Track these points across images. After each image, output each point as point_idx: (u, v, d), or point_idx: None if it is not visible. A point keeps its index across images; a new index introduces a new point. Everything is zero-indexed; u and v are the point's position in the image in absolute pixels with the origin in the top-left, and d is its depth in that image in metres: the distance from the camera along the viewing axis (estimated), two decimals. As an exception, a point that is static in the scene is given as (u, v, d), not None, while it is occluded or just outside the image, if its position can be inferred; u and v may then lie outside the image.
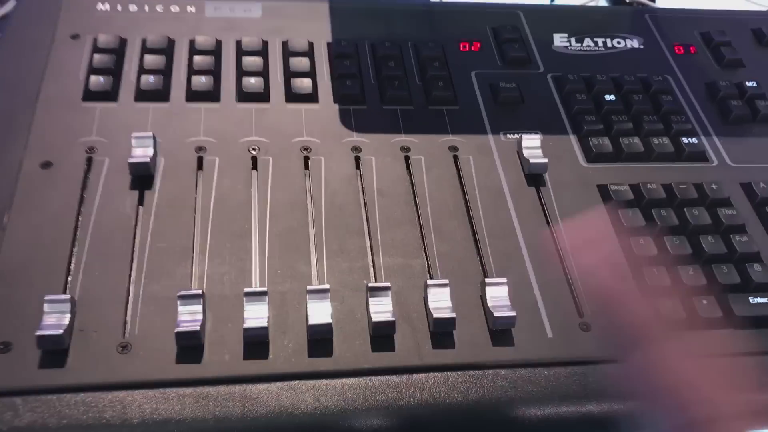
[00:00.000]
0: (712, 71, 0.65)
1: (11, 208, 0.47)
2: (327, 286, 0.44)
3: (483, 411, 0.42)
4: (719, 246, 0.50)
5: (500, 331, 0.45)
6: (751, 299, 0.48)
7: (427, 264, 0.48)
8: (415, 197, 0.51)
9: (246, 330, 0.42)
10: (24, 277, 0.43)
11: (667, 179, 0.55)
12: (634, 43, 0.67)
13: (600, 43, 0.66)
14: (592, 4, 0.89)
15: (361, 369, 0.42)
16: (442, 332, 0.44)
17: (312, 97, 0.56)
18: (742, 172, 0.57)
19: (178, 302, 0.42)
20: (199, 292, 0.43)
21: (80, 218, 0.47)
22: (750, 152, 0.58)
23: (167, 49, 0.57)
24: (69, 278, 0.44)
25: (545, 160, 0.53)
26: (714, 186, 0.54)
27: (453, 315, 0.43)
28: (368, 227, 0.49)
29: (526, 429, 0.42)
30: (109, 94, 0.54)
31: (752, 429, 0.44)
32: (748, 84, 0.63)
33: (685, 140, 0.57)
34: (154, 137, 0.50)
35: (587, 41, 0.66)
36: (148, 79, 0.55)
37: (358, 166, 0.53)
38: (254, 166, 0.51)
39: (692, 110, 0.61)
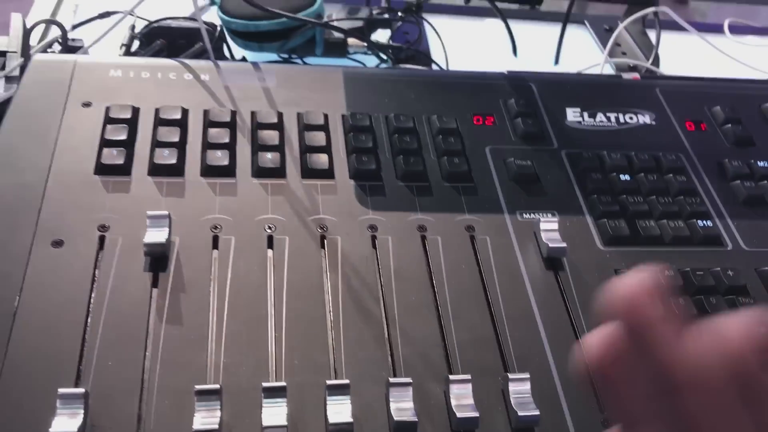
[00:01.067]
0: (723, 149, 0.66)
1: (22, 290, 0.45)
2: (347, 381, 0.43)
3: None
4: (738, 337, 0.50)
5: (523, 429, 0.44)
6: None
7: (446, 355, 0.47)
8: (432, 281, 0.51)
9: (265, 429, 0.40)
10: (35, 366, 0.42)
11: (682, 263, 0.54)
12: (646, 118, 0.67)
13: (612, 119, 0.66)
14: (596, 66, 0.90)
15: (383, 471, 0.41)
16: (464, 431, 0.43)
17: (328, 173, 0.56)
18: (757, 257, 0.57)
19: (195, 398, 0.41)
20: (217, 387, 0.41)
21: (92, 302, 0.46)
22: (764, 236, 0.58)
23: (181, 120, 0.57)
24: (81, 367, 0.43)
25: (564, 245, 0.53)
26: (730, 273, 0.54)
27: (476, 414, 0.43)
28: (386, 314, 0.48)
29: None
30: (122, 168, 0.53)
31: None
32: (760, 164, 0.64)
33: (700, 223, 0.57)
34: (169, 216, 0.49)
35: (600, 116, 0.66)
36: (163, 153, 0.54)
37: (374, 246, 0.52)
38: (270, 245, 0.51)
39: (705, 190, 0.61)
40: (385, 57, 0.83)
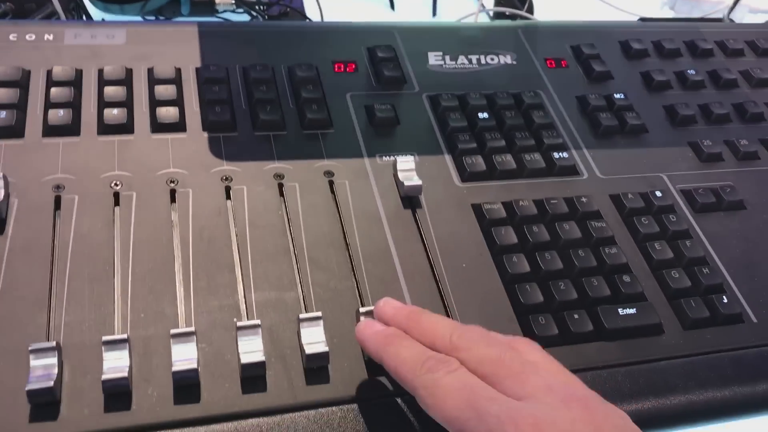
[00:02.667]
0: (582, 84, 0.67)
1: None
2: (192, 328, 0.42)
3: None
4: (589, 259, 0.51)
5: (376, 363, 0.44)
6: (620, 311, 0.49)
7: (302, 296, 0.47)
8: (289, 227, 0.50)
9: (104, 381, 0.39)
10: None
11: (539, 195, 0.56)
12: (507, 59, 0.68)
13: (474, 61, 0.66)
14: (471, 16, 0.90)
15: (231, 413, 0.41)
16: (316, 368, 0.43)
17: (179, 126, 0.54)
18: (611, 184, 0.58)
19: (30, 356, 0.39)
20: (53, 344, 0.40)
21: None
22: (619, 163, 0.60)
23: (21, 81, 0.54)
24: None
25: (419, 183, 0.53)
26: (584, 199, 0.55)
27: (326, 349, 0.42)
28: (240, 261, 0.48)
29: (403, 461, 0.41)
30: (-44, 132, 0.50)
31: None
32: (617, 96, 0.65)
33: (556, 155, 0.59)
34: (5, 177, 0.47)
35: (461, 59, 0.66)
36: (0, 114, 0.51)
37: (228, 197, 0.51)
38: (117, 203, 0.49)
39: (563, 124, 0.63)
40: (255, 14, 0.81)
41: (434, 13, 0.94)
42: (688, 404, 0.46)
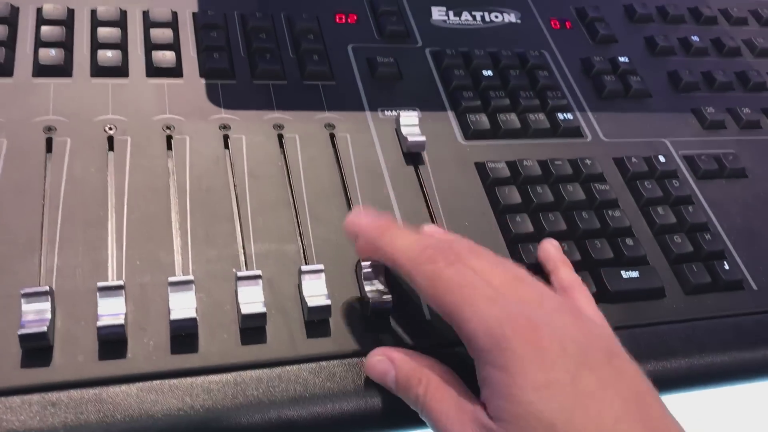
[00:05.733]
0: (586, 46, 0.66)
1: None
2: (191, 276, 0.41)
3: (361, 400, 0.40)
4: (593, 221, 0.51)
5: (377, 317, 0.43)
6: (623, 273, 0.48)
7: (302, 249, 0.45)
8: (289, 178, 0.49)
9: (100, 328, 0.38)
10: None
11: (543, 155, 0.55)
12: (511, 17, 0.66)
13: (478, 17, 0.65)
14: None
15: (230, 364, 0.40)
16: (317, 321, 0.42)
17: (175, 71, 0.52)
18: (614, 147, 0.57)
19: (22, 300, 0.38)
20: (46, 288, 0.38)
21: None
22: (622, 127, 0.59)
23: (10, 18, 0.52)
24: None
25: (423, 138, 0.52)
26: (588, 162, 0.55)
27: (328, 302, 0.41)
28: (238, 211, 0.46)
29: (407, 416, 0.41)
30: (-59, 68, 0.48)
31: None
32: (621, 59, 0.64)
33: (560, 116, 0.58)
34: (-7, 117, 0.45)
35: (465, 15, 0.65)
36: (-13, 52, 0.49)
37: (227, 146, 0.50)
38: (111, 147, 0.47)
39: (567, 86, 0.61)
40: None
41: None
42: (689, 368, 0.46)
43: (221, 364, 0.40)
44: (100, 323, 0.38)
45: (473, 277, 0.37)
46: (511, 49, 0.62)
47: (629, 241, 0.50)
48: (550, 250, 0.47)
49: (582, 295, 0.44)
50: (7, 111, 0.47)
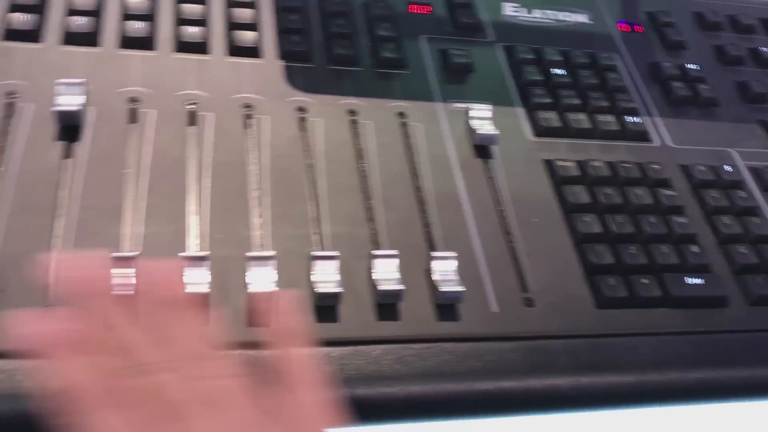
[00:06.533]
0: (656, 51, 0.66)
1: None
2: (271, 252, 0.42)
3: (427, 384, 0.41)
4: (659, 226, 0.51)
5: (446, 305, 0.44)
6: (687, 280, 0.49)
7: (374, 234, 0.46)
8: (362, 164, 0.50)
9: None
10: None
11: (610, 157, 0.55)
12: (582, 17, 0.66)
13: (550, 15, 0.65)
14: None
15: (304, 340, 0.41)
16: (387, 304, 0.43)
17: (255, 51, 0.53)
18: (681, 154, 0.57)
19: (111, 264, 0.39)
20: (133, 254, 0.40)
21: (2, 168, 0.43)
22: (689, 134, 0.59)
23: (99, -11, 0.53)
24: (-14, 234, 0.40)
25: (496, 132, 0.52)
26: (655, 166, 0.55)
27: (401, 287, 0.42)
28: (314, 193, 0.47)
29: (470, 403, 0.41)
30: (34, 34, 0.49)
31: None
32: (690, 66, 0.64)
33: (628, 119, 0.58)
34: (84, 85, 0.46)
35: (537, 12, 0.65)
36: (77, 21, 0.50)
37: (303, 128, 0.50)
38: (192, 122, 0.48)
39: (636, 89, 0.61)
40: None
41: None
42: (750, 378, 0.46)
43: (295, 339, 0.41)
44: (187, 290, 0.39)
45: None
46: (581, 49, 0.62)
47: (694, 248, 0.50)
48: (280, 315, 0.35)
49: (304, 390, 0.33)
50: (95, 80, 0.48)
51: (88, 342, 0.30)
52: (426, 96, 0.55)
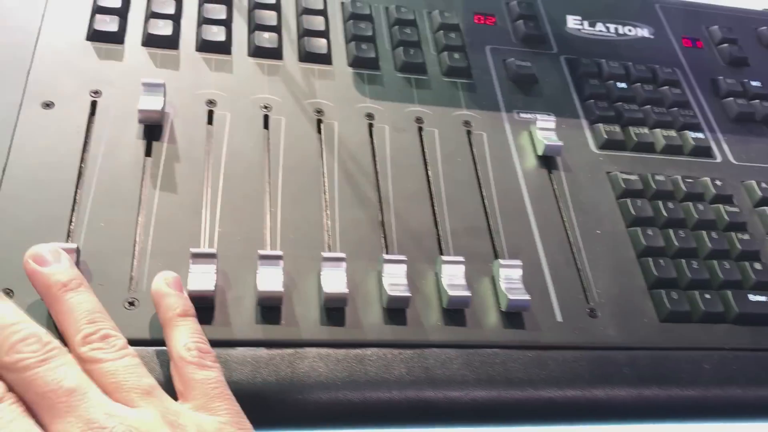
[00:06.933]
0: (717, 67, 0.66)
1: (11, 147, 0.44)
2: (343, 254, 0.43)
3: (493, 390, 0.42)
4: (722, 242, 0.51)
5: (512, 312, 0.44)
6: (750, 296, 0.49)
7: (438, 240, 0.47)
8: (427, 170, 0.51)
9: (260, 294, 0.40)
10: (24, 223, 0.41)
11: (672, 172, 0.55)
12: (644, 32, 0.66)
13: (612, 29, 0.65)
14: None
15: (376, 341, 0.42)
16: (454, 310, 0.44)
17: (326, 58, 0.55)
18: (744, 171, 0.57)
19: (191, 261, 0.41)
20: (214, 251, 0.41)
21: (84, 164, 0.45)
22: (752, 152, 0.59)
23: (177, -6, 0.55)
24: (72, 226, 0.42)
25: (560, 144, 0.53)
26: (718, 182, 0.55)
27: (468, 293, 0.43)
28: (380, 198, 0.48)
29: (534, 410, 0.42)
30: (116, 36, 0.51)
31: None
32: (753, 83, 0.64)
33: (691, 135, 0.58)
34: (164, 86, 0.48)
35: (600, 26, 0.65)
36: (158, 24, 0.52)
37: (371, 133, 0.52)
38: (266, 125, 0.50)
39: (698, 104, 0.62)
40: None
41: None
42: (814, 397, 0.46)
43: (368, 339, 0.42)
44: (261, 289, 0.40)
45: None
46: (644, 64, 0.62)
47: (757, 266, 0.51)
48: (165, 293, 0.38)
49: (199, 376, 0.35)
50: (175, 82, 0.50)
51: None
52: (490, 105, 0.56)
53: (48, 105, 0.46)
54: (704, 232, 0.51)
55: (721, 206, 0.53)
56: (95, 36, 0.51)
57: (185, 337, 0.37)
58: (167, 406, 0.33)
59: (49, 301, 0.36)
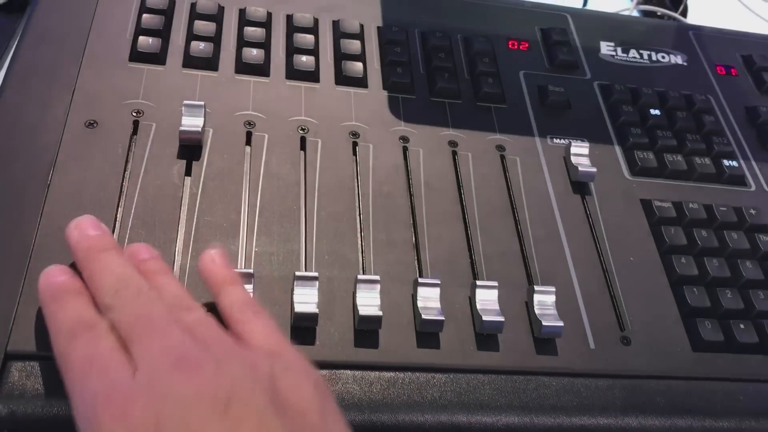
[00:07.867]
0: (752, 95, 0.66)
1: (55, 165, 0.45)
2: (377, 276, 0.43)
3: (526, 416, 0.42)
4: (757, 272, 0.51)
5: (544, 339, 0.44)
6: (786, 327, 0.48)
7: (472, 264, 0.47)
8: (461, 194, 0.51)
9: (297, 314, 0.41)
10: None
11: (706, 200, 0.55)
12: (678, 59, 0.67)
13: (645, 56, 0.66)
14: (625, 11, 0.89)
15: (406, 364, 0.42)
16: (487, 335, 0.44)
17: (362, 82, 0.55)
18: (779, 200, 0.57)
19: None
20: (251, 271, 0.42)
21: (126, 182, 0.46)
22: (787, 180, 0.59)
23: (217, 16, 0.56)
24: (113, 244, 0.43)
25: (594, 170, 0.53)
26: (752, 211, 0.55)
27: (502, 318, 0.43)
28: (414, 221, 0.48)
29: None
30: (158, 57, 0.52)
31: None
32: (788, 112, 0.64)
33: (726, 162, 0.58)
34: (204, 106, 0.49)
35: (633, 52, 0.66)
36: (198, 46, 0.53)
37: (405, 156, 0.52)
38: (303, 147, 0.50)
39: (732, 132, 0.61)
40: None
41: (585, 3, 0.93)
42: None
43: (398, 362, 0.42)
44: (297, 309, 0.41)
45: (98, 349, 0.32)
46: (678, 91, 0.62)
47: (793, 296, 0.50)
48: (212, 268, 0.39)
49: (256, 324, 0.36)
50: (214, 103, 0.51)
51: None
52: (524, 130, 0.56)
53: (92, 124, 0.48)
54: (739, 261, 0.51)
55: (756, 235, 0.53)
56: (138, 57, 0.52)
57: (235, 297, 0.38)
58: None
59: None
